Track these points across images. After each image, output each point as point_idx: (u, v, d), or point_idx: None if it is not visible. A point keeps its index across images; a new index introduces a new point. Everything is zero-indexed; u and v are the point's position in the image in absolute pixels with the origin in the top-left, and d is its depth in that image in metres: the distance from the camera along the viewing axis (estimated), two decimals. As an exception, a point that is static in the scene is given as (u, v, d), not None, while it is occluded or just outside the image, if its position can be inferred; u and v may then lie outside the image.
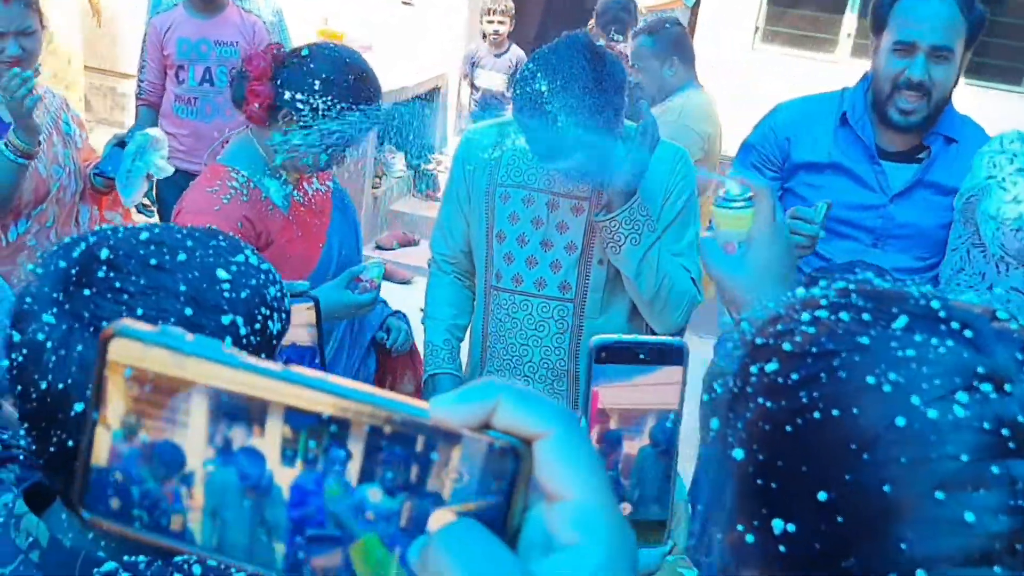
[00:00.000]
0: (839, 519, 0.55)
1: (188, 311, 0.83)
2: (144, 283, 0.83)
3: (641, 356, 0.83)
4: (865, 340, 0.58)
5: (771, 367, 0.61)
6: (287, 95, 2.07)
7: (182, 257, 0.86)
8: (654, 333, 2.39)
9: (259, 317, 0.87)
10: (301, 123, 2.08)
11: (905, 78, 2.30)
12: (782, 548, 0.57)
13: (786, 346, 0.61)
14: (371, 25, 6.84)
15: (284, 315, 0.93)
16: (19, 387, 0.84)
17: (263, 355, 0.87)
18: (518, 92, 2.00)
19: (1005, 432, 0.53)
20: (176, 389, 0.43)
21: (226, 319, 0.85)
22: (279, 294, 0.92)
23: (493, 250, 2.29)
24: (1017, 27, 7.02)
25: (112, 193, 2.91)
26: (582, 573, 0.40)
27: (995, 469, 0.52)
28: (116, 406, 0.44)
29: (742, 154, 2.64)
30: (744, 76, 6.77)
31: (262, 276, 0.90)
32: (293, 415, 0.42)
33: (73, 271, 0.84)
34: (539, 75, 1.96)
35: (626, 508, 0.86)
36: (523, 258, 2.26)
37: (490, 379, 0.42)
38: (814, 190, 2.44)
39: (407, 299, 5.70)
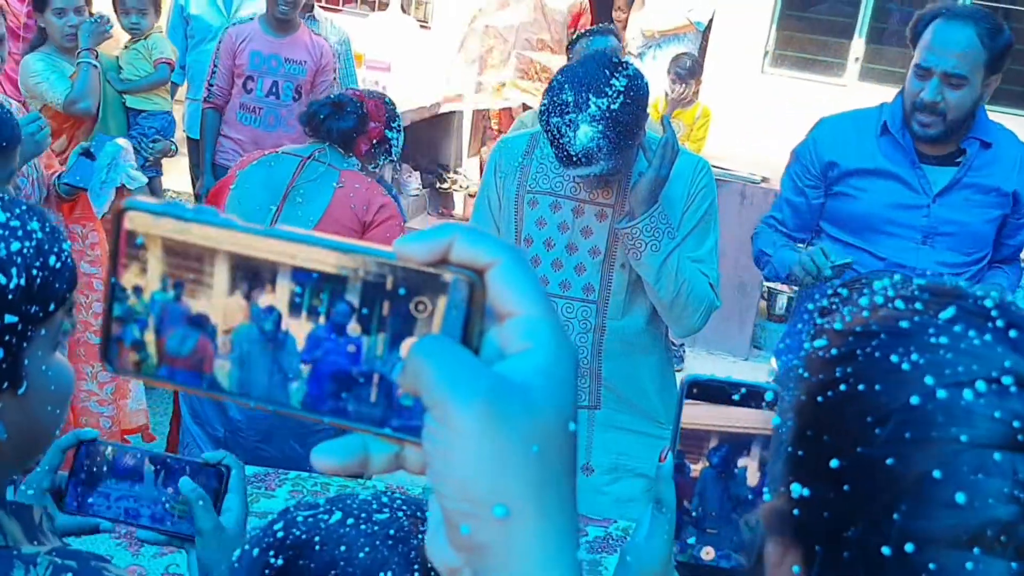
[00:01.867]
0: (845, 488, 0.57)
1: None
2: None
3: (734, 397, 0.83)
4: (905, 324, 0.60)
5: (819, 343, 0.64)
6: (389, 133, 2.72)
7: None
8: (669, 334, 2.51)
9: None
10: (389, 152, 2.77)
11: (920, 99, 2.52)
12: (796, 512, 0.60)
13: (837, 325, 0.63)
14: (389, 47, 6.98)
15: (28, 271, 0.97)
16: None
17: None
18: (545, 102, 2.13)
19: (1016, 424, 0.54)
20: (183, 252, 0.49)
21: None
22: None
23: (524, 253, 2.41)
24: None
25: (75, 203, 2.97)
26: (532, 368, 0.47)
27: (997, 457, 0.54)
28: (132, 270, 0.50)
29: (790, 162, 2.87)
30: (754, 99, 6.91)
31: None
32: (297, 273, 0.49)
33: None
34: (566, 86, 2.09)
35: (708, 552, 0.86)
36: (549, 261, 2.38)
37: (445, 221, 0.52)
38: (863, 192, 2.66)
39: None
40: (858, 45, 7.17)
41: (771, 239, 2.82)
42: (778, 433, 0.65)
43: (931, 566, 0.54)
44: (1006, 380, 0.55)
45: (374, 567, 0.99)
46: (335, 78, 4.62)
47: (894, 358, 0.58)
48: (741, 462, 0.85)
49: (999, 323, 0.59)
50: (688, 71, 6.03)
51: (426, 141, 7.32)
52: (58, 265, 0.98)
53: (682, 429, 0.85)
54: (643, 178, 2.18)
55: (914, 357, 0.57)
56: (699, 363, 5.58)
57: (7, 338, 0.94)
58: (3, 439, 0.97)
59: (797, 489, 0.60)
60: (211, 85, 4.53)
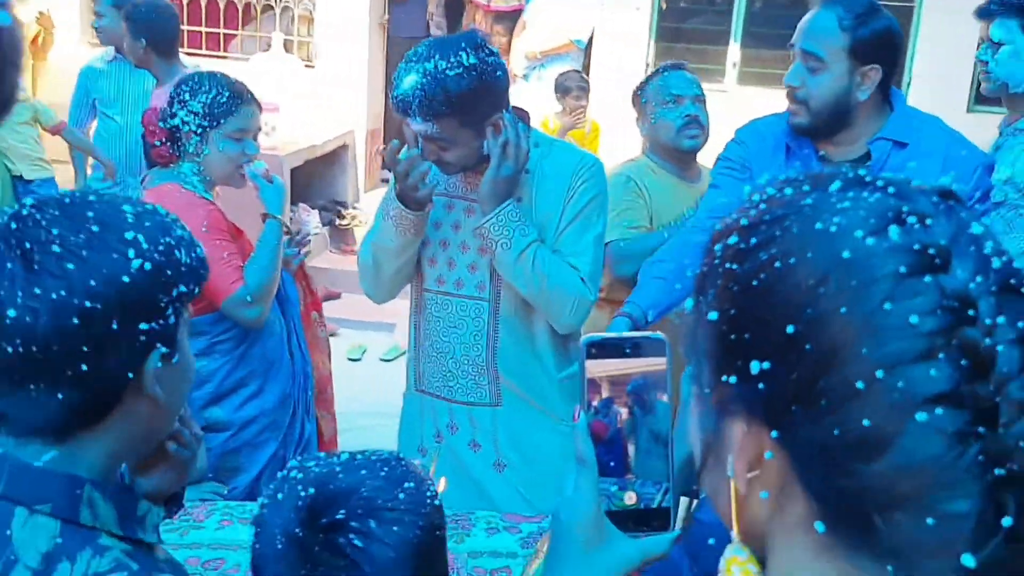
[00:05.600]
0: (807, 347, 0.63)
1: (95, 228, 1.01)
2: (58, 213, 1.02)
3: (627, 351, 0.88)
4: (808, 201, 0.67)
5: (732, 240, 0.69)
6: (169, 122, 2.64)
7: (92, 198, 1.06)
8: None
9: (162, 242, 1.04)
10: (182, 136, 2.65)
11: (785, 84, 2.37)
12: (761, 386, 0.65)
13: (743, 222, 0.70)
14: (276, 88, 6.95)
15: (193, 253, 1.09)
16: None
17: (169, 275, 1.05)
18: (409, 52, 2.21)
19: (931, 251, 0.62)
20: None
21: (129, 235, 1.02)
22: (186, 236, 1.09)
23: (422, 254, 2.42)
24: None
25: None
26: None
27: (927, 279, 0.61)
28: None
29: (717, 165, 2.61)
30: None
31: (169, 219, 1.09)
32: None
33: (6, 219, 1.03)
34: (432, 44, 2.18)
35: (631, 497, 0.89)
36: (444, 261, 2.39)
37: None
38: None
39: (333, 348, 5.73)
40: (734, 51, 7.40)
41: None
42: (708, 328, 0.70)
43: (900, 384, 0.60)
44: (911, 220, 0.63)
45: None
46: None
47: (818, 226, 0.65)
48: (659, 396, 0.88)
49: (878, 183, 0.67)
50: (585, 83, 6.16)
51: (320, 179, 7.29)
52: (201, 254, 1.11)
53: (592, 379, 0.89)
54: (484, 178, 2.21)
55: (835, 220, 0.64)
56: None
57: (177, 306, 1.06)
58: (164, 401, 1.06)
59: (756, 365, 0.65)
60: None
